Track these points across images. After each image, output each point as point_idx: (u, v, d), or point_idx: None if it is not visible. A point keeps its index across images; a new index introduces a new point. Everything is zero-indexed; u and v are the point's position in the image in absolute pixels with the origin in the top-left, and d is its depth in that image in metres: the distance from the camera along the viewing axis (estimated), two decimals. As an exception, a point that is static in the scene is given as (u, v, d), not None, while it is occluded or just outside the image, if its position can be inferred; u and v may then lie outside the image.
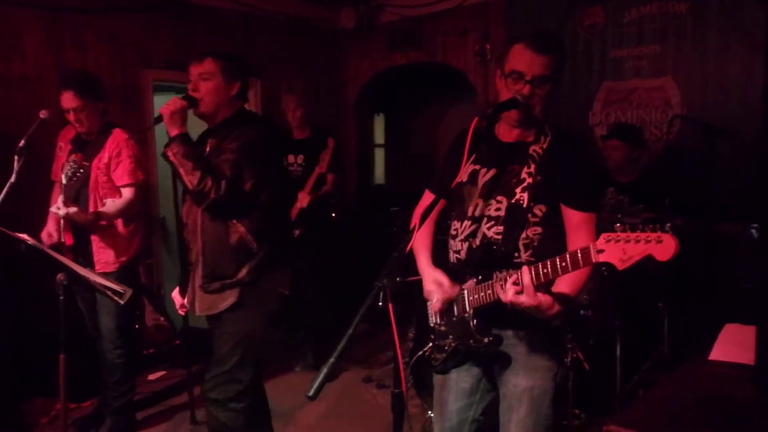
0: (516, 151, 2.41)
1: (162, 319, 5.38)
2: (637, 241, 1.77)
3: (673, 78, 5.15)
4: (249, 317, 3.20)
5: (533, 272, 2.07)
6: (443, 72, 6.98)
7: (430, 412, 4.14)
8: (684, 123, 4.93)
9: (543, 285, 2.10)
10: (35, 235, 3.33)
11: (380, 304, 1.92)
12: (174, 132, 3.06)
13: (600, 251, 1.85)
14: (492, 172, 2.45)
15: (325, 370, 1.81)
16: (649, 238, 1.75)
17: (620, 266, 1.81)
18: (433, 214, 2.71)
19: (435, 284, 2.48)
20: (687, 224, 4.15)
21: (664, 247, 1.73)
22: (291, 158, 5.38)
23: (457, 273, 2.50)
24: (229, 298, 3.14)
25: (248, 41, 6.49)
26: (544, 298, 2.09)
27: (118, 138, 4.02)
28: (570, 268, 1.97)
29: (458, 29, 6.55)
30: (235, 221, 3.10)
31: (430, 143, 8.77)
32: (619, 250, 1.80)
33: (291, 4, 6.76)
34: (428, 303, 2.57)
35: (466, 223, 2.47)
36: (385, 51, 7.24)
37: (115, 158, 3.98)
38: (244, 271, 3.13)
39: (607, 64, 5.51)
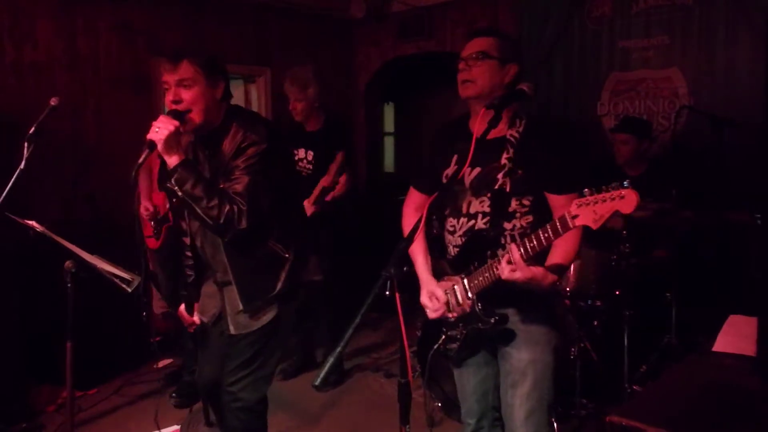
0: (495, 147, 2.49)
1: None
2: (604, 201, 1.98)
3: (680, 69, 5.14)
4: (278, 321, 2.94)
5: (521, 249, 2.24)
6: (453, 61, 6.96)
7: (438, 403, 4.18)
8: (691, 114, 4.93)
9: (534, 258, 2.26)
10: (44, 221, 3.34)
11: (387, 293, 1.94)
12: (174, 160, 2.58)
13: (575, 216, 2.05)
14: (476, 171, 2.54)
15: (331, 360, 1.84)
16: (614, 196, 1.96)
17: (594, 226, 2.02)
18: (424, 210, 2.75)
19: (430, 299, 2.62)
20: (696, 215, 4.15)
21: (626, 201, 1.94)
22: (301, 153, 4.96)
23: (453, 266, 2.62)
24: (269, 313, 2.88)
25: (259, 30, 6.51)
26: (536, 270, 2.27)
27: None
28: (552, 237, 2.17)
29: (467, 19, 6.54)
30: None
31: (439, 132, 8.76)
32: (590, 212, 2.01)
33: (301, -6, 6.75)
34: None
35: (463, 219, 2.59)
36: (395, 40, 7.23)
37: None
38: (281, 280, 2.86)
39: (615, 54, 5.50)
